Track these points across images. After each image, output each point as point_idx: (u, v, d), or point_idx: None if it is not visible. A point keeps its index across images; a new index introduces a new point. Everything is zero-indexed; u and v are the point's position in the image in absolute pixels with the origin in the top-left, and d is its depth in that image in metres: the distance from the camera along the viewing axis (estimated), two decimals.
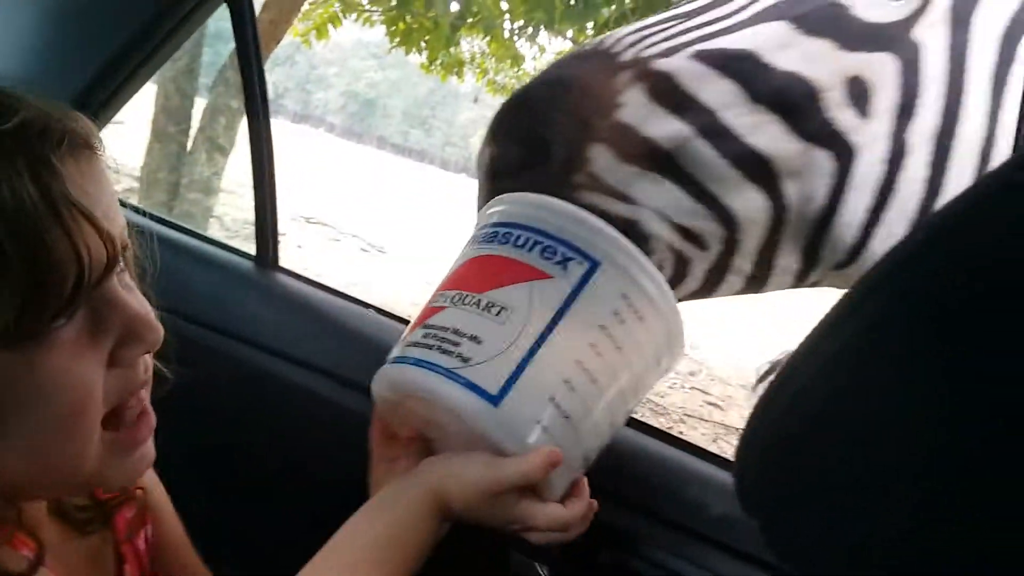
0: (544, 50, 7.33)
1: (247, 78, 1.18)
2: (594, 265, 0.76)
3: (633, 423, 1.02)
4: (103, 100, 1.19)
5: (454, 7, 5.61)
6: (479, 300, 0.75)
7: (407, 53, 6.14)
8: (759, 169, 0.75)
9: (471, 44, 7.22)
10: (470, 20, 5.72)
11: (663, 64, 0.75)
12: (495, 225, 0.81)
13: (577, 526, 0.77)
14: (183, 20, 1.17)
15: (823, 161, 0.75)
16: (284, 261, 1.25)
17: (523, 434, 0.72)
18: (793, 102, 0.74)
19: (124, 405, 0.61)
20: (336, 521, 0.80)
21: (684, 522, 0.93)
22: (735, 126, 0.75)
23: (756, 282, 0.83)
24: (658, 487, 0.96)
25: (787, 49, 0.75)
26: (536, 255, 0.76)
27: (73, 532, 0.69)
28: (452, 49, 6.37)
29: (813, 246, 0.80)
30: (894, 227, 0.77)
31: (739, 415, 6.07)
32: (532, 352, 0.73)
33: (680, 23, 0.78)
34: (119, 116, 1.26)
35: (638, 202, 0.80)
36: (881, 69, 0.75)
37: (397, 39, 5.91)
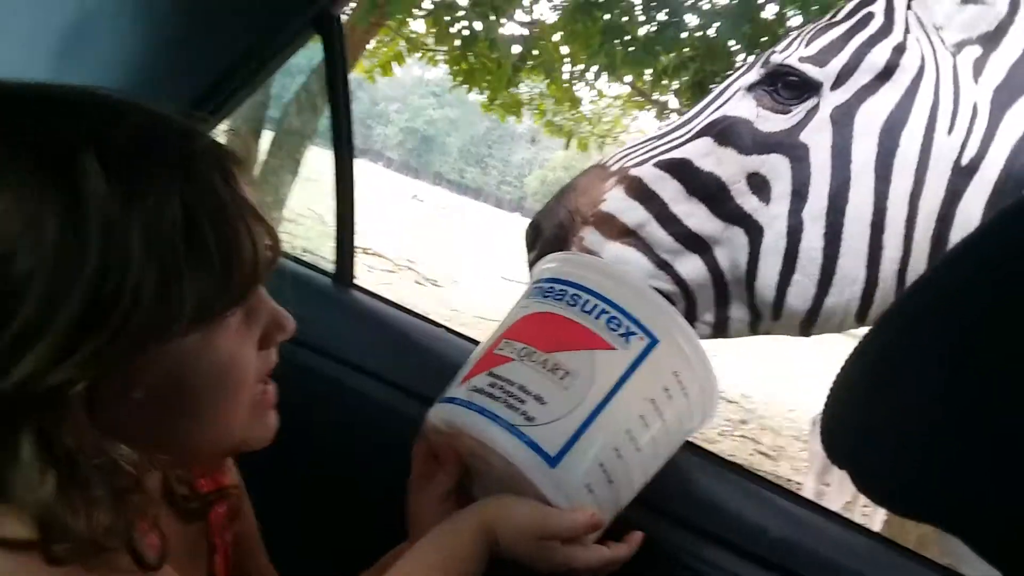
0: (603, 95, 7.45)
1: (335, 107, 1.26)
2: (653, 342, 0.82)
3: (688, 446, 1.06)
4: (211, 110, 1.27)
5: (516, 49, 5.76)
6: (545, 360, 0.81)
7: (469, 91, 6.29)
8: (695, 243, 1.01)
9: (530, 86, 7.36)
10: (531, 62, 5.85)
11: (636, 171, 1.04)
12: (563, 284, 0.87)
13: (617, 565, 0.83)
14: (277, 51, 1.26)
15: (739, 236, 1.00)
16: None
17: (573, 495, 0.79)
18: (711, 193, 1.01)
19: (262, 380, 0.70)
20: (402, 528, 0.85)
21: (739, 543, 0.95)
22: (678, 212, 1.02)
23: (720, 330, 1.05)
24: (713, 507, 0.98)
25: (708, 156, 1.02)
26: (602, 324, 0.83)
27: (179, 520, 0.74)
28: (512, 89, 6.52)
29: (752, 302, 1.02)
30: (802, 286, 0.98)
31: (790, 466, 5.93)
32: (590, 420, 0.79)
33: (653, 142, 1.06)
34: None
35: None
36: (774, 166, 0.98)
37: (460, 78, 6.07)
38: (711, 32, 4.74)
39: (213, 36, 1.23)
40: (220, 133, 0.65)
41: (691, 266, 1.02)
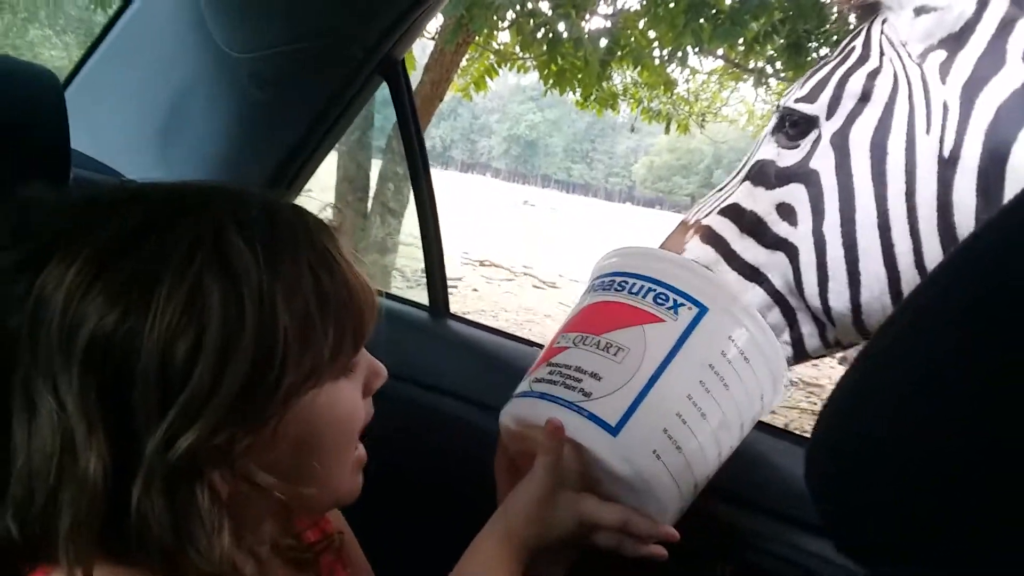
0: (696, 72, 7.25)
1: (408, 145, 1.31)
2: (703, 310, 0.83)
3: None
4: (291, 179, 1.36)
5: (603, 43, 5.70)
6: (598, 341, 0.83)
7: (561, 93, 6.28)
8: (754, 274, 1.16)
9: (623, 76, 7.27)
10: (619, 53, 5.77)
11: (706, 220, 1.21)
12: (611, 275, 0.89)
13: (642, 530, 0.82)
14: (351, 101, 1.33)
15: (782, 259, 1.14)
16: (463, 304, 1.36)
17: (639, 462, 0.79)
18: (754, 228, 1.16)
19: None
20: None
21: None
22: (736, 249, 1.17)
23: (800, 348, 1.17)
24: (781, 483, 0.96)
25: (748, 197, 1.18)
26: (650, 301, 0.84)
27: (290, 569, 0.77)
28: (605, 84, 6.45)
29: (811, 314, 1.15)
30: (837, 291, 1.11)
31: None
32: (647, 388, 0.80)
33: (720, 193, 1.23)
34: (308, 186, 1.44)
35: None
36: (794, 193, 1.13)
37: (551, 81, 6.07)
38: None
39: (288, 104, 1.31)
40: (324, 207, 0.70)
41: (756, 294, 1.16)
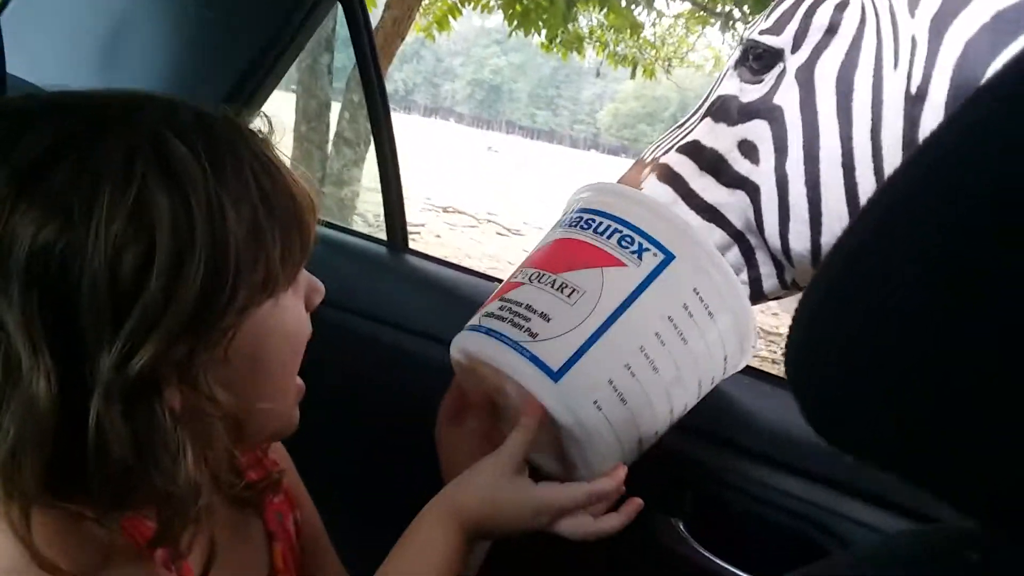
0: (662, 15, 7.17)
1: (365, 75, 1.25)
2: (669, 258, 0.79)
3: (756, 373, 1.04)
4: (244, 100, 1.30)
5: None
6: (554, 280, 0.80)
7: (526, 35, 6.16)
8: (713, 213, 1.13)
9: (589, 19, 7.15)
10: None
11: (664, 158, 1.17)
12: (580, 211, 0.85)
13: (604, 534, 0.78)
14: (303, 21, 1.26)
15: (743, 198, 1.11)
16: (425, 250, 1.33)
17: (578, 411, 0.76)
18: (714, 166, 1.12)
19: None
20: None
21: (823, 473, 0.92)
22: (695, 188, 1.13)
23: (757, 288, 1.15)
24: (785, 435, 0.96)
25: (709, 134, 1.14)
26: (614, 243, 0.80)
27: (230, 507, 0.74)
28: (570, 26, 6.35)
29: (770, 254, 1.13)
30: (798, 230, 1.08)
31: None
32: (596, 335, 0.77)
33: (678, 130, 1.20)
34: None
35: None
36: (757, 130, 1.10)
37: (515, 22, 5.95)
38: None
39: (237, 25, 1.24)
40: (256, 115, 0.65)
41: (716, 234, 1.13)
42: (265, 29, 1.26)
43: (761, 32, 1.11)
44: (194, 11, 1.30)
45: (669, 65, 7.97)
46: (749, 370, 1.02)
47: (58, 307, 0.52)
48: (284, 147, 0.68)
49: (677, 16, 7.43)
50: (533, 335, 0.77)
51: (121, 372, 0.52)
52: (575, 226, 0.84)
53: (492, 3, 6.60)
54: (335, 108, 6.01)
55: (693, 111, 1.21)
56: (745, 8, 5.33)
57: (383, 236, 1.35)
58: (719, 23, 6.49)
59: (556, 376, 0.76)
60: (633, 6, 6.03)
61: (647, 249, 0.79)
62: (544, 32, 6.13)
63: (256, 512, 0.77)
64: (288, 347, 0.67)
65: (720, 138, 1.13)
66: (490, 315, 0.82)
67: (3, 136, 0.55)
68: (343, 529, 0.88)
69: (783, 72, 1.10)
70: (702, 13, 6.77)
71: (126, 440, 0.53)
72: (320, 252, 0.68)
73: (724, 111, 1.14)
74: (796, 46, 1.09)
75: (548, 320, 0.78)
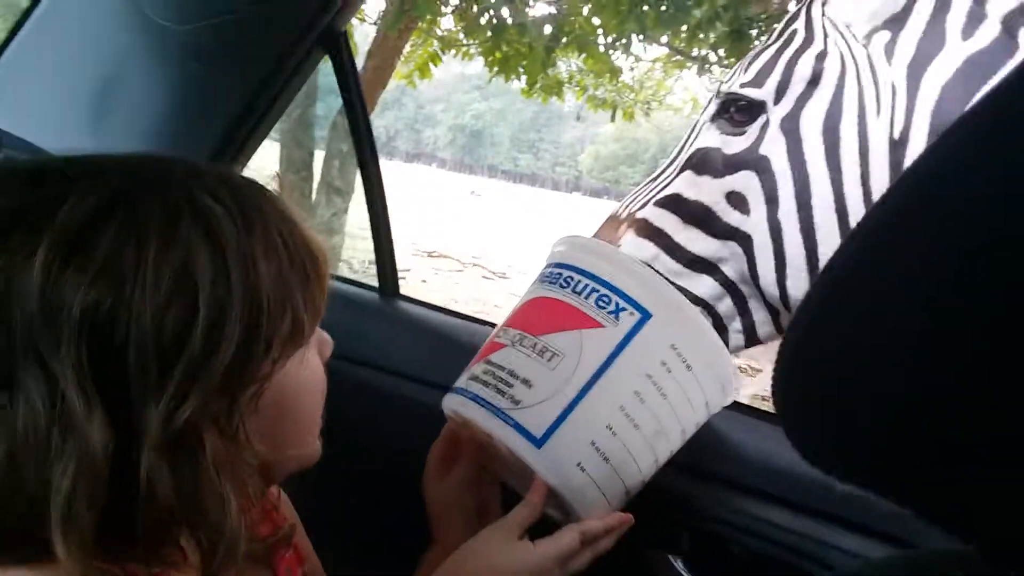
0: (639, 59, 7.30)
1: (353, 123, 1.28)
2: (645, 317, 0.81)
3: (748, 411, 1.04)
4: (233, 154, 1.31)
5: (548, 29, 5.69)
6: (535, 343, 0.83)
7: (507, 80, 6.25)
8: (702, 264, 1.13)
9: (568, 64, 7.26)
10: (564, 40, 5.76)
11: (641, 213, 1.17)
12: (559, 267, 0.88)
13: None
14: (292, 74, 1.29)
15: (735, 248, 1.12)
16: (412, 295, 1.35)
17: (562, 472, 0.79)
18: (701, 218, 1.13)
19: None
20: None
21: (811, 504, 0.92)
22: (680, 241, 1.14)
23: (752, 335, 1.15)
24: (780, 472, 0.96)
25: (692, 187, 1.14)
26: (592, 303, 0.82)
27: (244, 562, 0.74)
28: (550, 71, 6.44)
29: (766, 301, 1.13)
30: (796, 278, 1.09)
31: None
32: (576, 400, 0.79)
33: (651, 184, 1.20)
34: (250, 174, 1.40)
35: None
36: (746, 181, 1.10)
37: (495, 68, 6.04)
38: None
39: (228, 77, 1.26)
40: (272, 177, 0.68)
41: (705, 285, 1.14)
42: (255, 80, 1.28)
43: (742, 85, 1.13)
44: (184, 64, 1.32)
45: (648, 108, 8.09)
46: (743, 407, 1.03)
47: (108, 362, 0.54)
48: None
49: (655, 60, 7.57)
50: (516, 402, 0.80)
51: (168, 424, 0.54)
52: (555, 283, 0.86)
53: (472, 50, 6.71)
54: (318, 156, 6.04)
55: (666, 164, 1.21)
56: (720, 52, 5.44)
57: (370, 282, 1.36)
58: (696, 67, 6.62)
59: (539, 443, 0.79)
60: (611, 51, 6.13)
61: (623, 309, 0.82)
62: (524, 77, 6.21)
63: (268, 566, 0.78)
64: (314, 395, 0.70)
65: (705, 190, 1.13)
66: (475, 379, 0.85)
67: (49, 199, 0.56)
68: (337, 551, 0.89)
69: (767, 123, 1.11)
70: (678, 57, 6.90)
71: (174, 490, 0.54)
72: None
73: (706, 163, 1.14)
74: (779, 97, 1.11)
75: (530, 387, 0.81)
